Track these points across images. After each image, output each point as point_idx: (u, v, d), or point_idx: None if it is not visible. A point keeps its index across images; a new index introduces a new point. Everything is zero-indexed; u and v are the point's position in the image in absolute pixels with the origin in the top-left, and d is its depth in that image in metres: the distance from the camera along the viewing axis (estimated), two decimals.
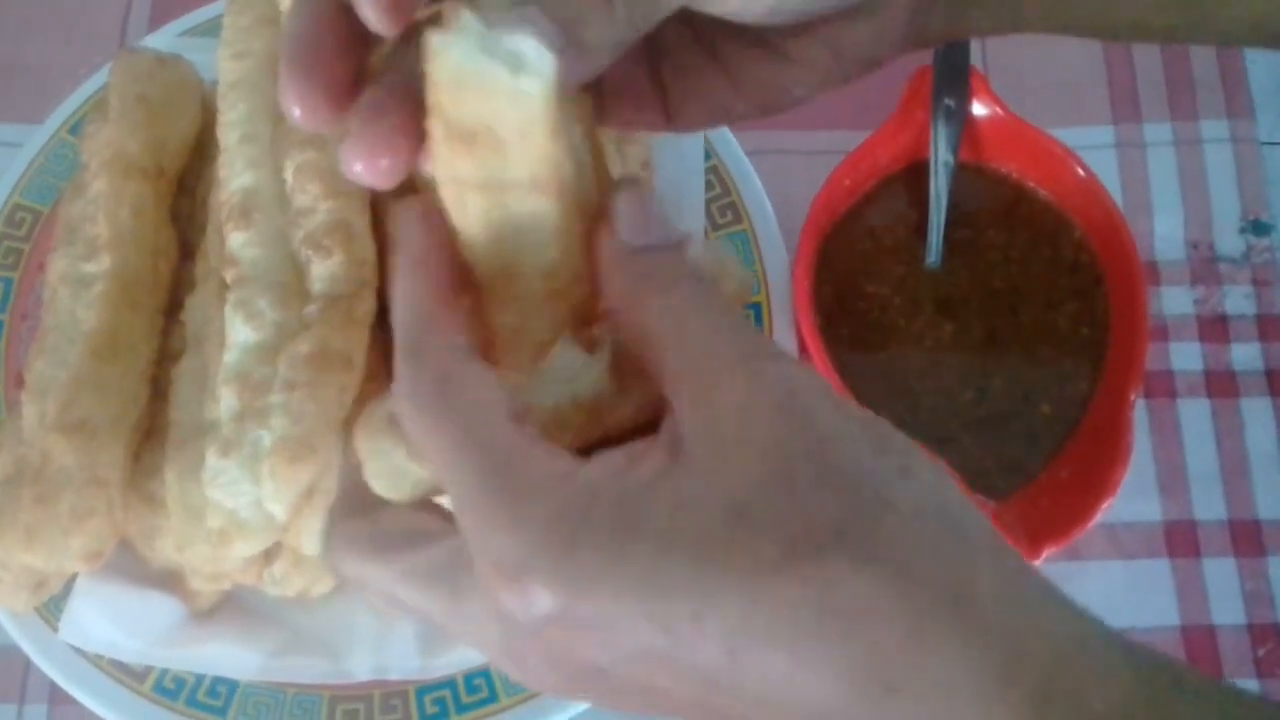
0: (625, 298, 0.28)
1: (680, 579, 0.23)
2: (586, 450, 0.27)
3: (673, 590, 0.23)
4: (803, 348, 0.58)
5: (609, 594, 0.24)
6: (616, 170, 0.56)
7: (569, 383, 0.28)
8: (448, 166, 0.27)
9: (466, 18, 0.25)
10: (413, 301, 0.28)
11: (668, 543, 0.24)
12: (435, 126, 0.26)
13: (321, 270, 0.49)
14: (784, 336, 0.60)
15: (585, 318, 0.30)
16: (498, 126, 0.26)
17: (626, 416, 0.29)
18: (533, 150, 0.26)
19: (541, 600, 0.24)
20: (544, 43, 0.25)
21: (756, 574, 0.23)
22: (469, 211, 0.28)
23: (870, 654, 0.23)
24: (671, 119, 0.37)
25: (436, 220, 0.29)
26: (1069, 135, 0.62)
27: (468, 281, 0.30)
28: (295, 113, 0.28)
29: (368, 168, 0.27)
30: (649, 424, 0.27)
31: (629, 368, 0.29)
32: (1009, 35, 0.38)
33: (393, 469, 0.31)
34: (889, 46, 0.36)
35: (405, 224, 0.29)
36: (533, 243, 0.28)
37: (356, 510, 0.30)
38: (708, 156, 0.63)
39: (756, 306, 0.60)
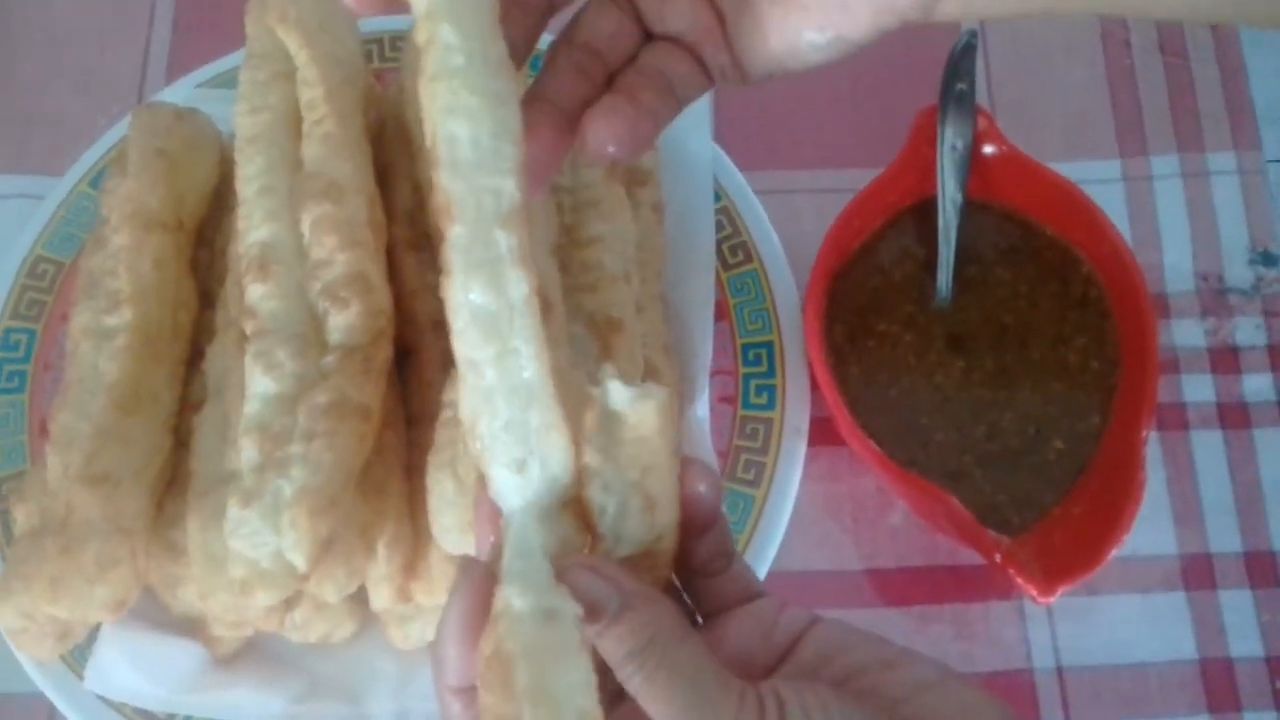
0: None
1: None
2: None
3: None
4: (814, 385, 0.59)
5: None
6: (626, 212, 0.57)
7: None
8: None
9: None
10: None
11: None
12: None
13: (339, 321, 0.50)
14: (796, 375, 0.60)
15: None
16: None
17: None
18: None
19: None
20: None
21: None
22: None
23: None
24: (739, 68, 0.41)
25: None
26: (1075, 170, 0.62)
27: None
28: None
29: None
30: None
31: None
32: (1014, 18, 0.40)
33: None
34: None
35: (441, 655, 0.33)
36: None
37: None
38: (718, 197, 0.64)
39: (769, 345, 0.61)
